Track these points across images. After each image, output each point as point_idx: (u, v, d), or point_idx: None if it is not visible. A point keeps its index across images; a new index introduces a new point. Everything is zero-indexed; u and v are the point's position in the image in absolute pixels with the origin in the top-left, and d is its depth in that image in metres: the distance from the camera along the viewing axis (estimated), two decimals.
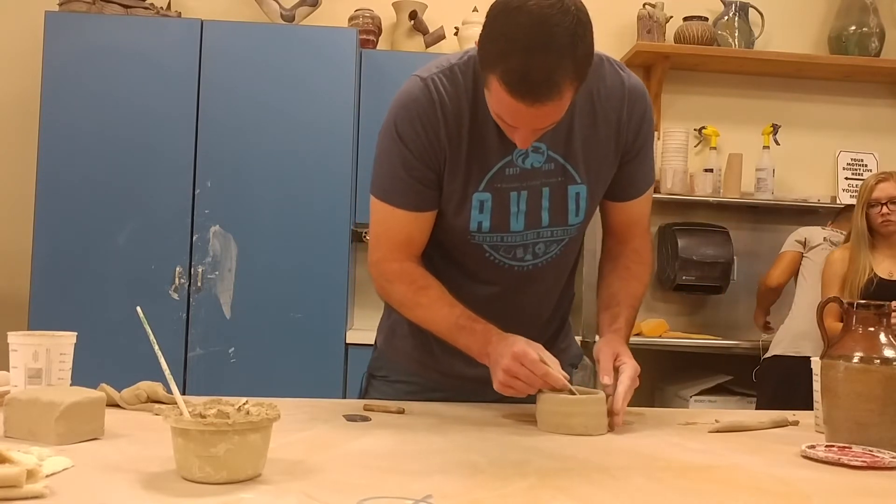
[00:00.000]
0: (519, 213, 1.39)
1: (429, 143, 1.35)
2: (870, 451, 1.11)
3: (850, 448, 1.13)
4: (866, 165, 4.04)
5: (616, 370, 1.33)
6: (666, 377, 3.84)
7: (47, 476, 0.85)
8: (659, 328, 3.73)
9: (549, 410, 1.27)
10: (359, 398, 1.59)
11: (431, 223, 1.43)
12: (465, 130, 1.35)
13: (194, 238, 3.25)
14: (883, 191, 3.05)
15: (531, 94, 1.14)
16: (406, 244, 1.43)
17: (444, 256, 1.48)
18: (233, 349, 3.23)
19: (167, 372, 0.99)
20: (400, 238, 1.43)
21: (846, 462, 1.06)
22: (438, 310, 1.39)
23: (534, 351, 1.28)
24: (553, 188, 1.39)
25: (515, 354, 1.26)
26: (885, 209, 3.04)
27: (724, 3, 3.92)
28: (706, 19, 3.89)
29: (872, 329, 1.20)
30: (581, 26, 1.14)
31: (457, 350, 1.47)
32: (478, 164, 1.37)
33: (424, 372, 1.56)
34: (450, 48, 3.71)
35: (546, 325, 1.55)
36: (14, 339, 1.20)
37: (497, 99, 1.20)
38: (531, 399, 1.36)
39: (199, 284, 3.24)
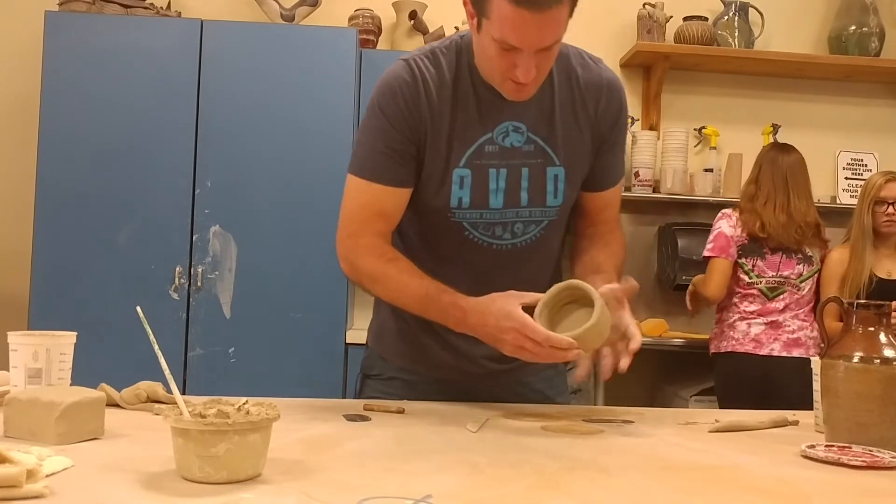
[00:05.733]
0: (498, 191, 1.42)
1: (410, 117, 1.39)
2: (870, 451, 1.11)
3: (850, 448, 1.13)
4: (866, 165, 4.04)
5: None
6: (666, 377, 3.84)
7: (47, 476, 0.85)
8: (659, 328, 3.73)
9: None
10: (354, 399, 1.59)
11: (405, 202, 1.45)
12: (447, 107, 1.39)
13: (194, 238, 3.25)
14: (891, 190, 3.04)
15: (534, 1, 1.21)
16: (378, 218, 1.44)
17: (424, 241, 1.49)
18: (233, 349, 3.23)
19: (167, 372, 0.99)
20: (372, 212, 1.44)
21: (846, 462, 1.06)
22: (408, 281, 1.40)
23: (523, 321, 1.25)
24: (532, 169, 1.43)
25: (514, 329, 1.25)
26: (890, 209, 3.03)
27: (724, 3, 3.92)
28: (706, 19, 3.89)
29: (872, 329, 1.20)
30: None
31: (447, 343, 1.49)
32: (459, 140, 1.40)
33: (415, 367, 1.56)
34: None
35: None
36: (14, 339, 1.20)
37: (501, 19, 1.25)
38: (531, 399, 1.36)
39: (199, 284, 3.24)
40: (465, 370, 1.52)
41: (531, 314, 1.27)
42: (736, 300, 3.15)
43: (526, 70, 1.29)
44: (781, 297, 3.08)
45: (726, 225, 3.15)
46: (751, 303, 3.11)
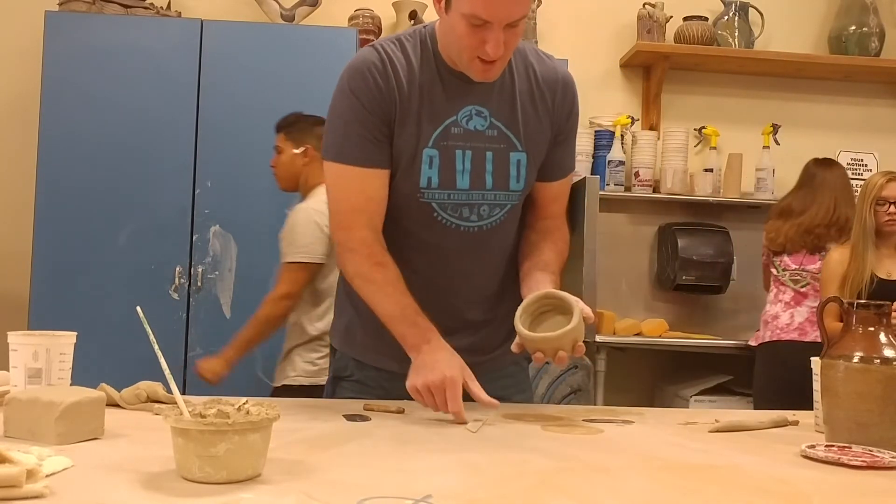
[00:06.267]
0: (464, 172, 1.47)
1: (380, 95, 1.42)
2: (870, 451, 1.11)
3: (850, 448, 1.13)
4: (866, 165, 4.04)
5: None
6: (666, 377, 3.84)
7: (47, 476, 0.85)
8: (659, 328, 3.73)
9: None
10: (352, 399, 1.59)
11: (386, 183, 1.47)
12: (415, 88, 1.43)
13: (194, 238, 3.25)
14: (893, 190, 3.04)
15: None
16: (364, 206, 1.46)
17: (393, 224, 1.50)
18: None
19: (167, 372, 1.00)
20: (358, 199, 1.46)
21: (846, 462, 1.06)
22: (391, 293, 1.43)
23: (461, 380, 1.32)
24: (496, 154, 1.48)
25: (446, 381, 1.31)
26: (892, 209, 3.03)
27: (724, 3, 3.92)
28: (706, 19, 3.89)
29: (872, 329, 1.20)
30: None
31: None
32: (427, 121, 1.44)
33: (385, 362, 1.56)
34: None
35: (497, 299, 1.58)
36: (14, 339, 1.20)
37: None
38: (523, 397, 1.36)
39: (199, 284, 3.24)
40: None
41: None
42: (773, 294, 3.38)
43: (496, 45, 1.34)
44: (805, 288, 3.29)
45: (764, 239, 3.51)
46: (784, 293, 3.32)
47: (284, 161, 2.83)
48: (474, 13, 1.32)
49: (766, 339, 3.30)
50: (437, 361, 1.34)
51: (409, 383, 1.36)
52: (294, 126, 2.85)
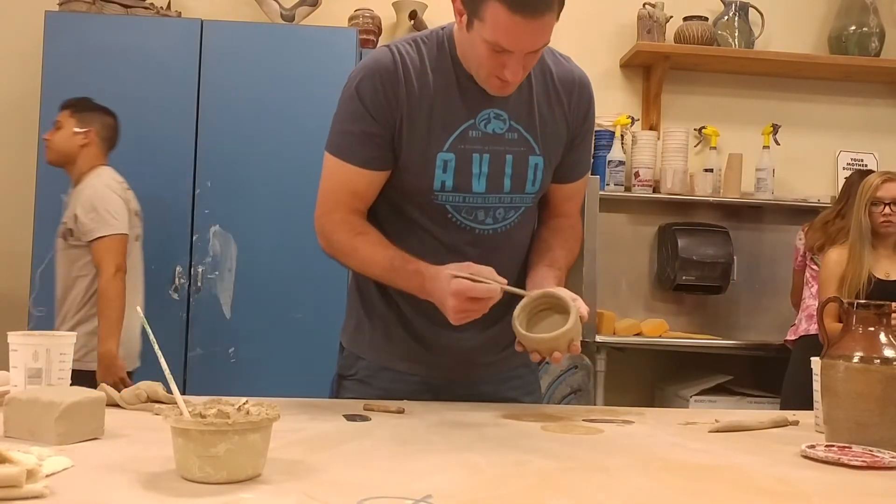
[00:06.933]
0: (481, 175, 1.46)
1: (385, 101, 1.42)
2: (870, 451, 1.11)
3: (850, 448, 1.13)
4: (866, 165, 4.04)
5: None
6: (666, 377, 3.84)
7: (47, 476, 0.85)
8: (659, 328, 3.73)
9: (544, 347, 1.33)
10: (352, 399, 1.59)
11: (379, 183, 1.48)
12: (429, 92, 1.43)
13: (194, 238, 3.25)
14: (888, 191, 3.03)
15: (529, 6, 1.27)
16: (351, 198, 1.48)
17: (407, 220, 1.51)
18: (233, 349, 3.23)
19: (167, 372, 1.00)
20: (346, 191, 1.48)
21: (846, 462, 1.07)
22: (375, 253, 1.44)
23: (466, 276, 1.31)
24: (516, 156, 1.48)
25: (455, 293, 1.30)
26: (887, 209, 3.03)
27: (724, 3, 3.92)
28: (706, 19, 3.89)
29: (872, 329, 1.20)
30: None
31: (416, 334, 1.52)
32: (441, 125, 1.44)
33: (392, 363, 1.56)
34: None
35: (508, 300, 1.56)
36: (14, 339, 1.20)
37: (495, 24, 1.29)
38: (531, 399, 1.35)
39: (199, 284, 3.24)
40: (439, 364, 1.54)
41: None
42: (814, 290, 3.34)
43: (515, 71, 1.34)
44: None
45: (797, 241, 3.56)
46: None
47: (62, 136, 2.88)
48: (496, 41, 1.31)
49: (811, 332, 3.25)
50: (440, 291, 1.33)
51: (453, 321, 1.34)
52: (82, 107, 2.91)
